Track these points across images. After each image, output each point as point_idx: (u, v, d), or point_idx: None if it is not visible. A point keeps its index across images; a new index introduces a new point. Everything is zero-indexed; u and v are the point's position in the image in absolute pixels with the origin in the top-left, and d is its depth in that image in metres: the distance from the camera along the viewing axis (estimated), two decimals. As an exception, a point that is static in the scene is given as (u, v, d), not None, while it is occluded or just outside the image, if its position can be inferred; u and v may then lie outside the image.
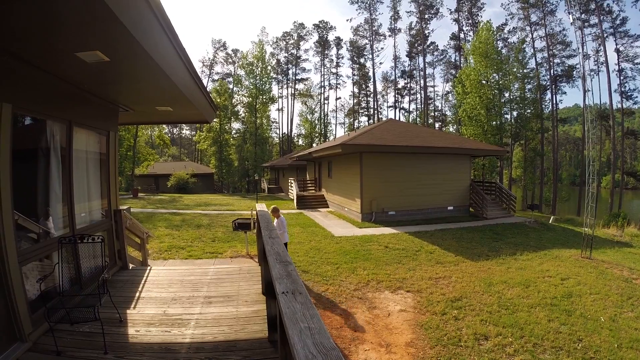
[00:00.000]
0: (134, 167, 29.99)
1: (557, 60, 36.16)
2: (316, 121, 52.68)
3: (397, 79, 53.34)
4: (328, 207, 18.33)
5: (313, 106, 53.01)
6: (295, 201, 18.92)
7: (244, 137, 42.30)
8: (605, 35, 32.17)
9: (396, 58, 52.20)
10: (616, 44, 32.30)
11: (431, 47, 49.37)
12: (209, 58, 55.16)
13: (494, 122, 28.89)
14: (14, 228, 3.07)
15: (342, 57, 56.17)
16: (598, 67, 32.90)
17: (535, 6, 36.24)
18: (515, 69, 31.05)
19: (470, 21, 44.68)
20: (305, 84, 55.34)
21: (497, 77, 29.42)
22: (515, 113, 32.11)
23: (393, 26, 50.34)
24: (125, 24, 2.21)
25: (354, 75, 55.18)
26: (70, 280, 3.75)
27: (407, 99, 54.21)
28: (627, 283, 7.13)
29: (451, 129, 45.45)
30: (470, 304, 5.86)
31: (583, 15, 31.74)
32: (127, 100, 5.17)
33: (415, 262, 8.30)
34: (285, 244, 6.52)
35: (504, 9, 39.97)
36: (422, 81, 49.92)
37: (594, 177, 9.74)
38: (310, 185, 22.16)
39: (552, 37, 35.74)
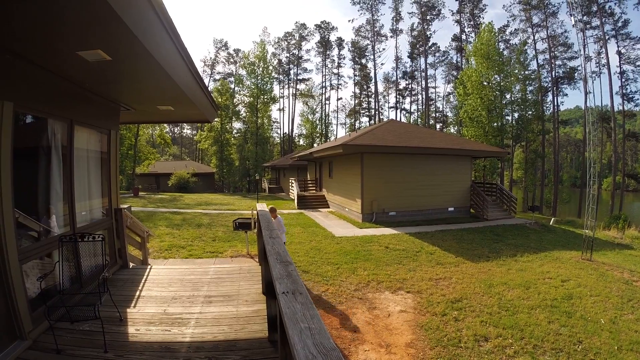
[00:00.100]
0: (134, 165, 30.06)
1: (558, 62, 36.17)
2: (317, 121, 52.75)
3: (399, 80, 53.45)
4: (329, 207, 18.33)
5: (314, 106, 53.13)
6: (295, 201, 18.91)
7: (245, 136, 42.32)
8: (607, 37, 32.15)
9: (398, 59, 52.27)
10: (618, 46, 32.33)
11: (433, 48, 49.42)
12: (211, 58, 55.29)
13: (495, 124, 28.90)
14: (15, 226, 3.07)
15: (344, 58, 56.29)
16: (599, 69, 32.92)
17: (537, 8, 36.24)
18: (516, 71, 31.10)
19: (472, 22, 44.69)
20: (306, 84, 55.42)
21: (498, 78, 29.42)
22: (516, 114, 32.16)
23: (395, 27, 50.41)
24: (127, 23, 2.22)
25: (355, 75, 55.25)
26: (71, 279, 3.75)
27: (408, 99, 54.29)
28: (628, 285, 7.12)
29: (452, 130, 45.45)
30: (470, 305, 5.86)
31: (585, 18, 31.76)
32: (128, 99, 5.18)
33: (416, 262, 8.29)
34: (283, 245, 6.51)
35: (505, 10, 39.86)
36: (423, 82, 49.93)
37: (594, 179, 9.72)
38: (311, 185, 22.16)
39: (554, 38, 35.71)
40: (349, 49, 54.50)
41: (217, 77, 54.27)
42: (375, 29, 51.09)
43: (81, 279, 3.78)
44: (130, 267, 5.70)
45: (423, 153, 14.40)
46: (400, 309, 5.71)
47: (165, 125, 48.30)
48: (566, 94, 42.91)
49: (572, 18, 10.63)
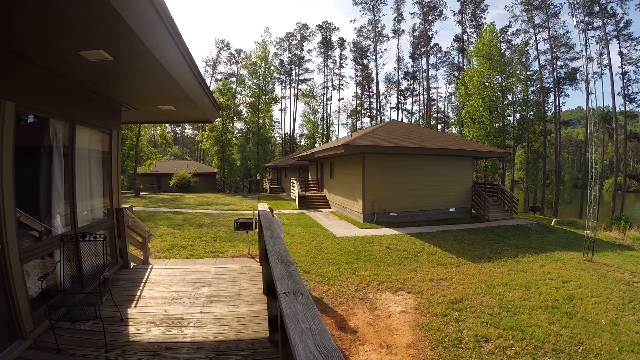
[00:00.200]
0: (136, 165, 30.11)
1: (560, 63, 36.09)
2: (319, 121, 52.78)
3: (400, 80, 53.41)
4: (330, 207, 18.33)
5: (316, 106, 53.17)
6: (297, 201, 18.91)
7: (247, 137, 42.35)
8: (608, 38, 32.07)
9: (399, 59, 52.27)
10: (620, 47, 32.25)
11: (434, 48, 49.39)
12: (213, 58, 55.28)
13: (496, 124, 28.87)
14: (16, 226, 3.08)
15: (345, 58, 56.32)
16: (601, 69, 32.79)
17: (539, 8, 36.16)
18: (518, 71, 31.04)
19: (473, 23, 44.62)
20: (308, 85, 55.42)
21: (500, 79, 29.40)
22: (518, 115, 32.12)
23: (396, 27, 50.38)
24: (129, 23, 2.22)
25: (357, 76, 55.20)
26: (72, 278, 3.75)
27: (409, 100, 54.25)
28: (629, 286, 7.10)
29: (454, 131, 45.34)
30: (471, 305, 5.85)
31: (587, 18, 31.70)
32: (129, 99, 5.19)
33: (417, 263, 8.28)
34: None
35: (507, 11, 40.14)
36: (425, 82, 49.88)
37: (596, 180, 9.69)
38: (312, 185, 22.16)
39: (556, 39, 35.64)
40: (350, 49, 54.53)
41: (219, 77, 54.29)
42: (377, 30, 51.09)
43: (82, 279, 3.78)
44: (131, 266, 5.70)
45: (424, 153, 14.39)
46: (401, 310, 5.70)
47: (166, 125, 48.41)
48: (568, 95, 43.11)
49: (574, 19, 10.62)
